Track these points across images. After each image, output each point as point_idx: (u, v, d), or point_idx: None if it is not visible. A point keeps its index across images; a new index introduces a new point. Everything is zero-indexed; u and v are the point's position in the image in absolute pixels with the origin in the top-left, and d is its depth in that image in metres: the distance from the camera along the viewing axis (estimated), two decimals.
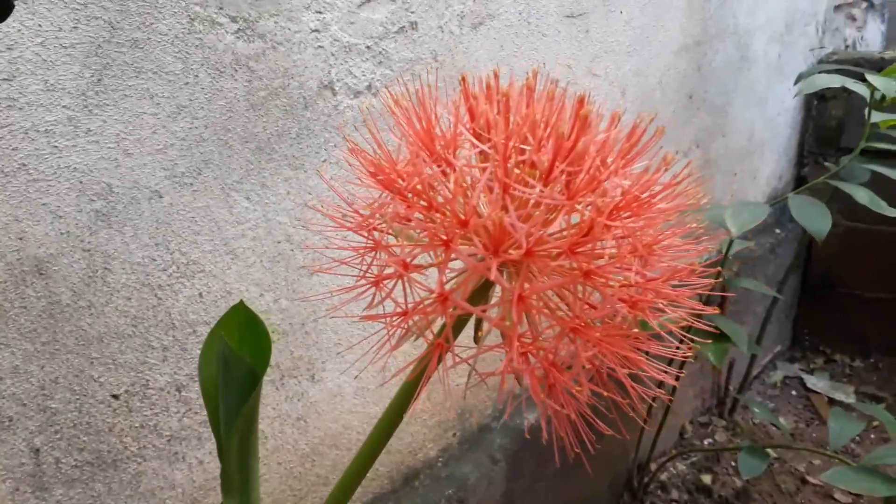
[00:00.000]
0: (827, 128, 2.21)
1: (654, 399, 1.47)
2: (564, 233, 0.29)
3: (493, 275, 0.28)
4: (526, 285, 0.29)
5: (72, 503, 0.68)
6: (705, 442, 1.87)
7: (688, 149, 1.67)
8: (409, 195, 0.30)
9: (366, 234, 0.32)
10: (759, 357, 2.07)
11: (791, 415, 2.06)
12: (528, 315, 0.30)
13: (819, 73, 1.45)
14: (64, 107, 0.60)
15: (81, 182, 0.62)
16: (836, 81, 1.32)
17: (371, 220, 0.32)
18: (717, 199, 1.81)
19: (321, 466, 0.94)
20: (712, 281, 0.33)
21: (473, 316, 0.33)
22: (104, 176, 0.64)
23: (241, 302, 0.45)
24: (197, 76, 0.69)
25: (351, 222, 0.32)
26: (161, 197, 0.68)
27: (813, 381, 2.21)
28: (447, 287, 0.30)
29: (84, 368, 0.66)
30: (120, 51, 0.62)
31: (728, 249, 1.31)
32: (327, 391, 0.91)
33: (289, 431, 0.87)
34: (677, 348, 0.33)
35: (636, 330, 0.31)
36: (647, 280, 0.30)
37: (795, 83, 1.46)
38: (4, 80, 0.56)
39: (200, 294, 0.74)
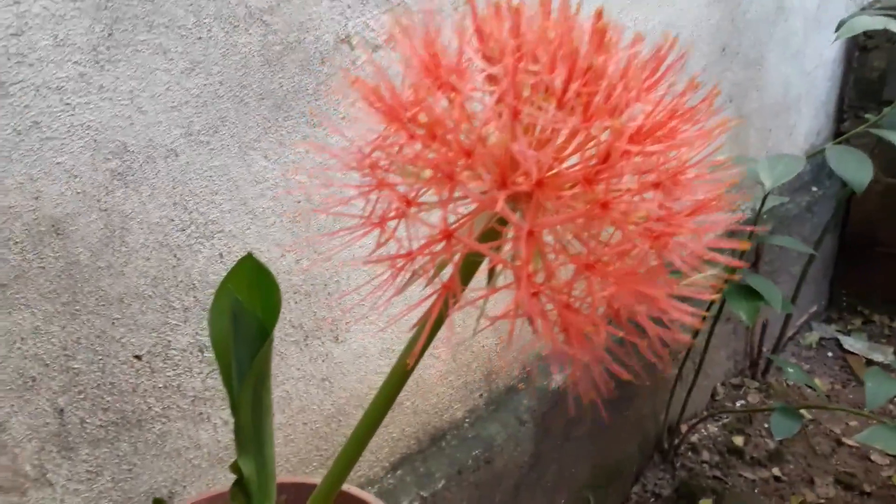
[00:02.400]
0: (868, 80, 2.12)
1: (686, 355, 1.45)
2: (580, 167, 0.27)
3: (500, 206, 0.26)
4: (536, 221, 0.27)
5: (98, 463, 0.68)
6: (737, 404, 1.84)
7: (720, 104, 1.62)
8: (412, 127, 0.28)
9: (368, 172, 0.30)
10: (794, 318, 2.02)
11: (826, 376, 2.02)
12: (539, 253, 0.28)
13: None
14: (75, 63, 0.59)
15: (96, 140, 0.61)
16: (878, 24, 1.25)
17: (373, 158, 0.30)
18: (751, 157, 1.76)
19: (347, 427, 0.94)
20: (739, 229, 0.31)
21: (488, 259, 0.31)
22: (118, 134, 0.63)
23: (250, 254, 0.44)
24: (210, 30, 0.67)
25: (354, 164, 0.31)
26: (177, 155, 0.67)
27: (850, 343, 2.16)
28: (456, 227, 0.28)
29: (105, 329, 0.66)
30: (130, 4, 0.61)
31: (762, 206, 1.27)
32: (351, 351, 0.91)
33: (314, 392, 0.87)
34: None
35: (657, 267, 0.29)
36: (671, 214, 0.27)
37: (836, 30, 1.39)
38: (13, 35, 0.55)
39: (220, 255, 0.73)
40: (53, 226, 0.60)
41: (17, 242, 0.58)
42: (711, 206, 0.28)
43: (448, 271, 0.31)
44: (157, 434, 0.72)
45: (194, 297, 0.72)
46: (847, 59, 2.16)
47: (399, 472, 1.04)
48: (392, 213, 0.30)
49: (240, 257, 0.75)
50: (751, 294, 1.21)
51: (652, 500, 1.57)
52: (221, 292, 0.44)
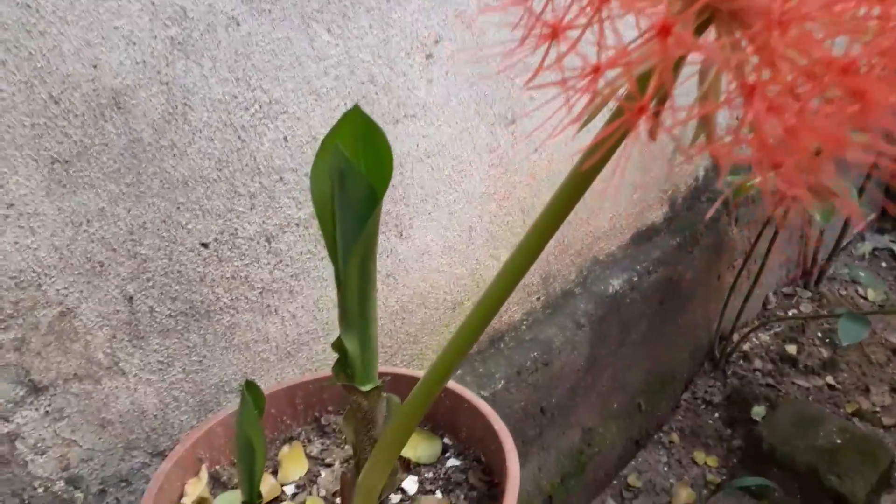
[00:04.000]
0: None
1: (744, 263, 1.39)
2: None
3: None
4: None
5: (168, 353, 0.66)
6: (789, 313, 1.80)
7: None
8: None
9: None
10: (849, 227, 1.95)
11: (880, 286, 1.96)
12: (770, 58, 0.23)
13: None
14: None
15: (154, 3, 0.56)
16: None
17: None
18: None
19: (410, 324, 0.91)
20: None
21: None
22: None
23: (357, 106, 0.39)
24: None
25: None
26: (238, 25, 0.61)
27: None
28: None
29: (171, 214, 0.62)
30: None
31: None
32: (415, 249, 0.87)
33: (379, 288, 0.84)
34: None
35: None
36: None
37: None
38: None
39: (285, 138, 0.68)
40: (114, 98, 0.55)
41: (77, 115, 0.54)
42: None
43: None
44: (225, 326, 0.69)
45: (260, 182, 0.67)
46: None
47: (459, 372, 1.02)
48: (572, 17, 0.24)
49: (304, 141, 0.70)
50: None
51: (703, 406, 1.56)
52: (325, 150, 0.39)
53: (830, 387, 1.57)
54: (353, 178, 0.36)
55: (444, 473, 0.57)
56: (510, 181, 0.97)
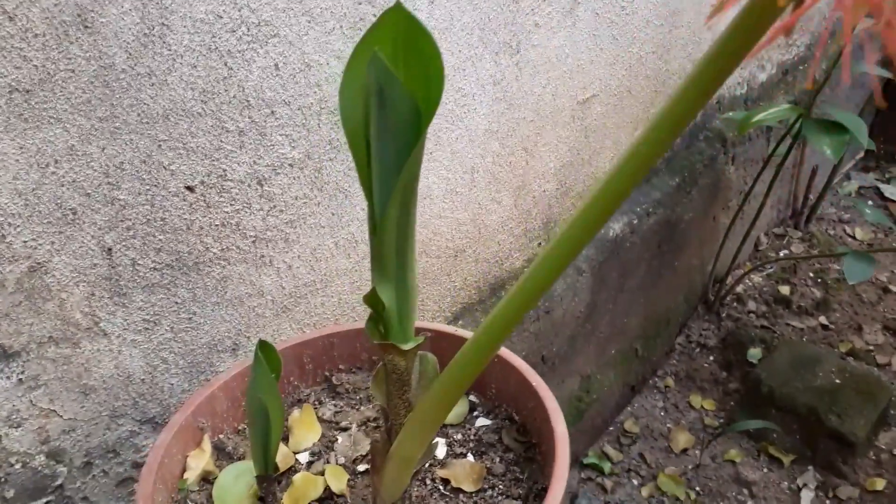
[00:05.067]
0: None
1: (742, 204, 1.34)
2: None
3: None
4: None
5: (154, 311, 0.59)
6: (781, 253, 1.78)
7: None
8: None
9: None
10: (839, 165, 1.92)
11: (867, 225, 1.95)
12: None
13: None
14: None
15: None
16: None
17: None
18: None
19: None
20: None
21: None
22: None
23: (399, 4, 0.31)
24: None
25: None
26: None
27: (891, 191, 2.07)
28: None
29: (151, 153, 0.54)
30: None
31: None
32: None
33: None
34: None
35: None
36: None
37: None
38: None
39: (276, 65, 0.60)
40: (79, 15, 0.47)
41: (37, 35, 0.46)
42: None
43: None
44: (216, 279, 0.63)
45: (249, 117, 0.60)
46: None
47: (461, 322, 0.97)
48: None
49: (297, 69, 0.62)
50: (834, 128, 1.10)
51: (697, 350, 1.53)
52: (358, 60, 0.32)
53: (824, 327, 1.56)
54: (395, 95, 0.29)
55: (474, 434, 0.51)
56: (514, 117, 0.90)
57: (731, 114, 1.30)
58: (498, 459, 0.49)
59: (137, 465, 0.62)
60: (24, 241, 0.49)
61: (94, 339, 0.56)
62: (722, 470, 1.28)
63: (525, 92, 0.90)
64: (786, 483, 1.25)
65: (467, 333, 0.55)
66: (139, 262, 0.56)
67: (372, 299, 0.35)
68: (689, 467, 1.29)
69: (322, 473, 0.48)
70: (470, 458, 0.49)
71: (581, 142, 1.06)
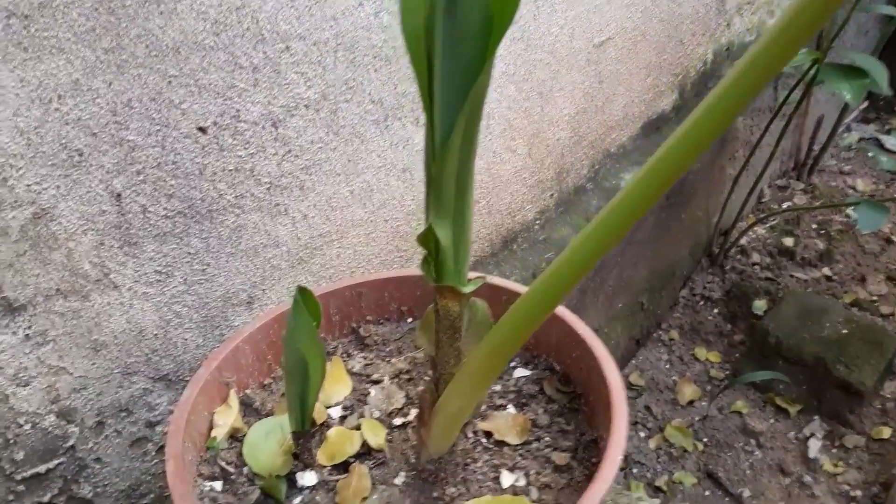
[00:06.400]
0: None
1: (750, 155, 1.32)
2: None
3: None
4: None
5: (167, 262, 0.55)
6: (783, 205, 1.76)
7: None
8: None
9: None
10: (843, 115, 1.89)
11: (868, 177, 1.93)
12: None
13: None
14: None
15: None
16: None
17: None
18: None
19: None
20: None
21: None
22: None
23: None
24: None
25: None
26: None
27: (892, 142, 2.05)
28: None
29: (161, 90, 0.50)
30: None
31: None
32: None
33: (395, 184, 0.74)
34: None
35: None
36: None
37: None
38: None
39: None
40: None
41: None
42: None
43: None
44: (230, 228, 0.59)
45: (263, 52, 0.56)
46: None
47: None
48: None
49: (312, 1, 0.58)
50: (852, 72, 1.07)
51: (701, 303, 1.52)
52: None
53: (828, 278, 1.55)
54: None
55: (514, 385, 0.49)
56: (531, 59, 0.86)
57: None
58: (541, 411, 0.46)
59: (151, 425, 0.60)
60: (28, 185, 0.45)
61: (104, 292, 0.52)
62: (729, 421, 1.28)
63: (542, 32, 0.86)
64: (792, 433, 1.25)
65: (511, 283, 0.52)
66: (150, 209, 0.53)
67: (426, 237, 0.32)
68: (696, 419, 1.28)
69: (357, 428, 0.45)
70: (511, 409, 0.47)
71: (595, 87, 1.02)
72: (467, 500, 0.40)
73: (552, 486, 0.41)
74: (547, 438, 0.44)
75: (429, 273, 0.34)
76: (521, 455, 0.43)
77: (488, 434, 0.45)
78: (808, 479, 1.17)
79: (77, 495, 0.56)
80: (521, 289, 0.50)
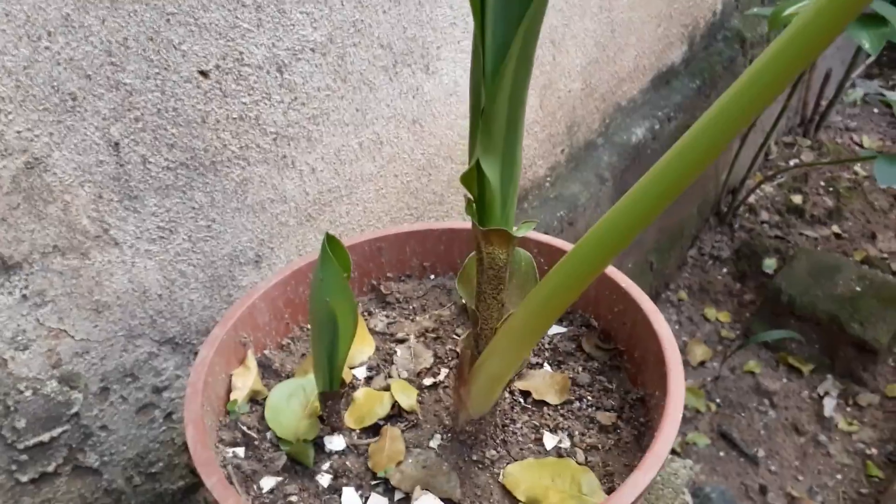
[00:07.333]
0: None
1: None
2: None
3: None
4: None
5: (170, 217, 0.52)
6: (790, 162, 1.73)
7: None
8: None
9: None
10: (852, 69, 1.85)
11: (875, 133, 1.90)
12: None
13: None
14: None
15: None
16: None
17: None
18: None
19: (437, 182, 0.78)
20: None
21: None
22: None
23: None
24: None
25: None
26: None
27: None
28: None
29: (159, 28, 0.46)
30: None
31: None
32: (443, 87, 0.72)
33: (404, 137, 0.70)
34: None
35: None
36: None
37: None
38: None
39: None
40: None
41: None
42: None
43: None
44: (236, 181, 0.55)
45: None
46: None
47: None
48: None
49: None
50: (872, 20, 1.02)
51: (710, 262, 1.50)
52: None
53: (837, 236, 1.52)
54: None
55: (549, 343, 0.46)
56: None
57: (756, 10, 1.21)
58: (580, 369, 0.43)
59: (158, 390, 0.56)
60: (18, 132, 0.41)
61: (104, 249, 0.48)
62: (742, 381, 1.26)
63: None
64: (806, 392, 1.23)
65: (544, 236, 0.48)
66: (150, 159, 0.49)
67: (471, 176, 0.28)
68: (709, 379, 1.26)
69: (386, 389, 0.42)
70: (547, 368, 0.44)
71: (607, 37, 0.97)
72: (509, 464, 0.37)
73: (599, 447, 0.38)
74: (589, 398, 0.41)
75: (473, 216, 0.31)
76: (562, 415, 0.40)
77: (525, 394, 0.42)
78: (822, 437, 1.15)
79: (83, 464, 0.53)
80: (554, 241, 0.47)
